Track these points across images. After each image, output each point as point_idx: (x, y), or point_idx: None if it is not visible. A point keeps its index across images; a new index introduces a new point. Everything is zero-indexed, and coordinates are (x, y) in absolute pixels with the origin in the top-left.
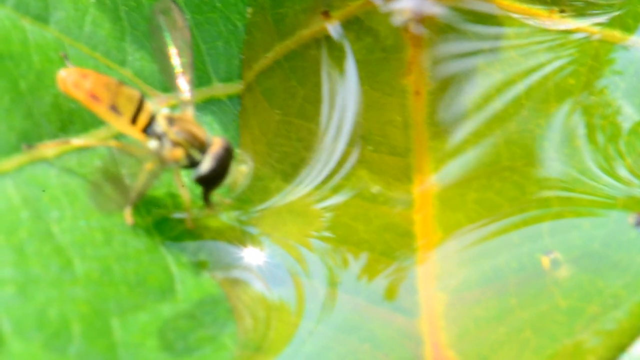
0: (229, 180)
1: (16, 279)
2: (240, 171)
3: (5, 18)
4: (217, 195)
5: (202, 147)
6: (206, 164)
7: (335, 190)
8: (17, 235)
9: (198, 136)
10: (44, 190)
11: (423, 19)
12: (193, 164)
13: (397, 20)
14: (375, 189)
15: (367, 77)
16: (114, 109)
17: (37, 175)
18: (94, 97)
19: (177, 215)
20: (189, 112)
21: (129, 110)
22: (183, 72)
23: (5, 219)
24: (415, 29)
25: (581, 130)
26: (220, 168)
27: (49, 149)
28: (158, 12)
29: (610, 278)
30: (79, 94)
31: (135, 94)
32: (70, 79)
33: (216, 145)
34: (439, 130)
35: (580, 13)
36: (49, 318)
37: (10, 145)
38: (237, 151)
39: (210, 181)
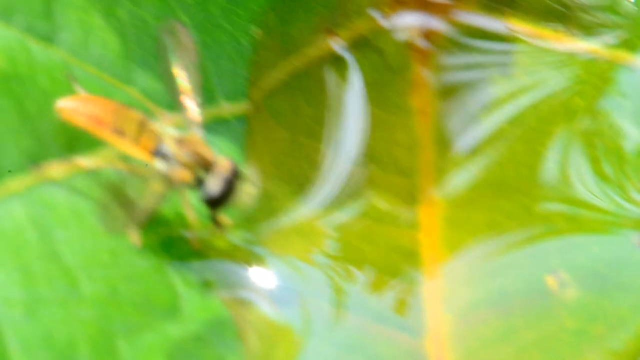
0: (236, 200)
1: (23, 299)
2: (248, 191)
3: (12, 39)
4: (224, 215)
5: (210, 168)
6: (213, 185)
7: (342, 210)
8: (25, 255)
9: (205, 157)
10: (51, 211)
11: (430, 38)
12: (200, 184)
13: (404, 38)
14: (381, 209)
15: (373, 96)
16: (119, 131)
17: (44, 195)
18: (97, 121)
19: (184, 235)
20: (197, 133)
21: (134, 131)
22: (190, 92)
23: (13, 239)
24: (421, 48)
25: (587, 151)
26: (227, 189)
27: (56, 169)
28: (165, 32)
29: (617, 299)
30: (82, 120)
31: (139, 115)
32: (69, 107)
33: (223, 165)
34: (445, 150)
35: (587, 33)
36: (56, 338)
37: (18, 166)
38: (245, 171)
39: (217, 202)
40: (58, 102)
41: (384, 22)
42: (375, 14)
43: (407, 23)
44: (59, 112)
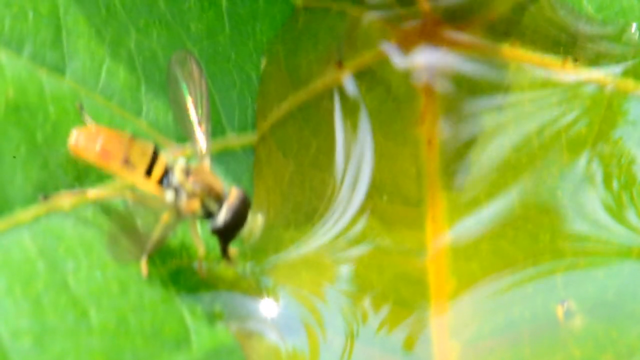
0: (245, 231)
1: (33, 329)
2: (256, 221)
3: (22, 69)
4: (233, 246)
5: (219, 198)
6: (222, 215)
7: (349, 240)
8: (34, 286)
9: (214, 187)
10: (60, 242)
11: (436, 69)
12: (209, 215)
13: (409, 70)
14: (388, 239)
15: (379, 127)
16: (128, 163)
17: (53, 226)
18: (106, 155)
19: (193, 265)
20: (206, 163)
21: (143, 163)
22: (199, 123)
23: (22, 270)
24: (427, 79)
25: (595, 180)
26: (236, 219)
27: (65, 199)
28: (174, 62)
29: (625, 328)
30: (90, 155)
31: (148, 146)
32: (78, 144)
33: (232, 196)
34: (452, 179)
35: (593, 63)
36: None
37: (27, 196)
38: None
39: (226, 232)
40: (68, 139)
41: (390, 54)
42: (381, 45)
43: (413, 54)
44: (69, 149)
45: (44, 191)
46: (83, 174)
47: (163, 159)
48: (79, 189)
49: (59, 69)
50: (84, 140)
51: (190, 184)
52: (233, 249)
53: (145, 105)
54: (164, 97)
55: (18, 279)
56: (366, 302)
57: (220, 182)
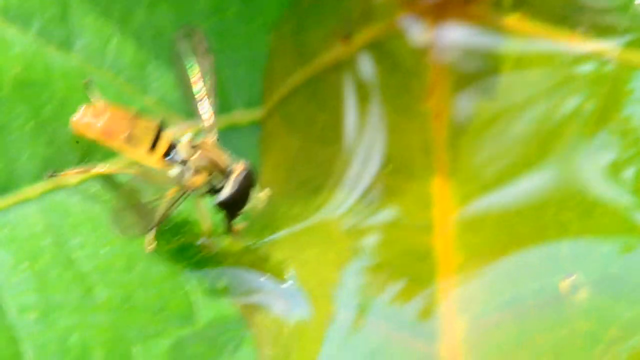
0: (250, 205)
1: (39, 305)
2: (262, 196)
3: (29, 45)
4: (238, 221)
5: (224, 173)
6: (227, 190)
7: (355, 214)
8: (40, 261)
9: (220, 162)
10: (66, 218)
11: (443, 41)
12: (215, 189)
13: (418, 43)
14: (395, 213)
15: (387, 101)
16: (132, 140)
17: (60, 202)
18: (109, 133)
19: (198, 241)
20: (211, 138)
21: (147, 139)
22: (206, 98)
23: (28, 245)
24: (436, 52)
25: (601, 152)
26: (241, 193)
27: (71, 176)
28: (181, 38)
29: (630, 301)
30: (94, 133)
31: (152, 123)
32: (81, 122)
33: (238, 170)
34: (460, 154)
35: (600, 35)
36: (71, 344)
37: (34, 173)
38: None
39: (232, 206)
40: (72, 117)
41: (397, 27)
42: (388, 18)
43: (421, 27)
44: (72, 127)
45: (51, 167)
46: (90, 150)
47: (168, 135)
48: (85, 165)
49: (66, 46)
50: (87, 118)
51: (195, 159)
52: (238, 224)
53: (153, 81)
54: (171, 74)
55: (24, 254)
56: (373, 277)
57: (226, 157)
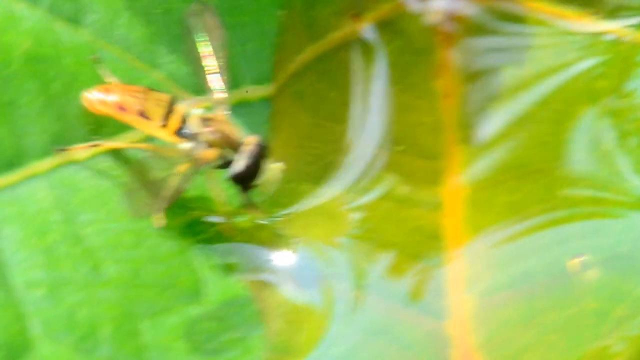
0: (263, 178)
1: (47, 281)
2: (275, 169)
3: (38, 20)
4: (250, 196)
5: (236, 146)
6: (240, 162)
7: (365, 192)
8: (48, 237)
9: (231, 135)
10: (75, 193)
11: (454, 21)
12: (227, 163)
13: (429, 21)
14: (404, 191)
15: (397, 79)
16: (144, 114)
17: (69, 177)
18: (121, 108)
19: (208, 218)
20: (223, 112)
21: (159, 114)
22: (217, 73)
23: (37, 221)
24: (446, 30)
25: (611, 133)
26: (254, 165)
27: (80, 151)
28: (191, 14)
29: (639, 280)
30: (106, 109)
31: (164, 97)
32: (95, 98)
33: (250, 143)
34: (469, 132)
35: (611, 15)
36: (79, 320)
37: (43, 148)
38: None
39: (244, 179)
40: (83, 93)
41: (409, 5)
42: None
43: (432, 6)
44: (84, 103)
45: (60, 143)
46: (99, 125)
47: (180, 109)
48: (94, 140)
49: (76, 21)
50: (99, 94)
51: (207, 133)
52: (250, 198)
53: (163, 57)
54: (181, 50)
55: (33, 230)
56: (382, 255)
57: (237, 131)
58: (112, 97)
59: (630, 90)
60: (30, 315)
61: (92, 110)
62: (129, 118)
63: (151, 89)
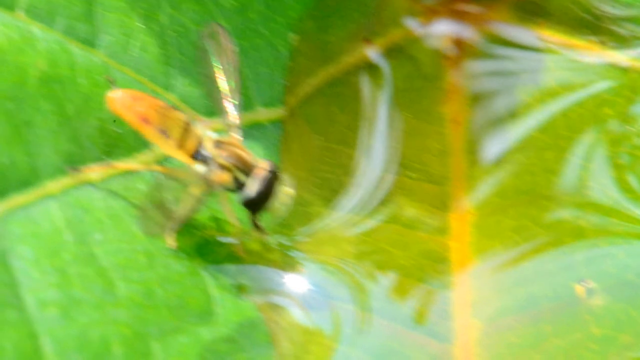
0: (274, 202)
1: (59, 300)
2: (286, 193)
3: (53, 42)
4: (262, 219)
5: (249, 170)
6: (252, 187)
7: (374, 216)
8: (61, 257)
9: (244, 159)
10: (88, 213)
11: (463, 47)
12: (239, 187)
13: (437, 47)
14: (412, 215)
15: (406, 104)
16: (163, 132)
17: (82, 198)
18: (145, 119)
19: (220, 239)
20: (236, 136)
21: (177, 133)
22: (230, 96)
23: (50, 241)
24: (455, 56)
25: (618, 160)
26: (266, 190)
27: (93, 172)
28: (205, 35)
29: None
30: (130, 115)
31: (183, 117)
32: (121, 101)
33: (262, 167)
34: (477, 158)
35: (618, 45)
36: (91, 340)
37: (56, 168)
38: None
39: (256, 204)
40: (110, 92)
41: (418, 31)
42: (410, 23)
43: (441, 32)
44: (108, 103)
45: (73, 163)
46: (112, 146)
47: (196, 131)
48: (108, 161)
49: (90, 42)
50: (126, 100)
51: (220, 156)
52: (263, 221)
53: (176, 79)
54: (194, 72)
55: (46, 250)
56: (389, 278)
57: (250, 155)
58: (139, 107)
59: (636, 117)
60: (42, 334)
61: (114, 112)
62: (148, 132)
63: (173, 107)
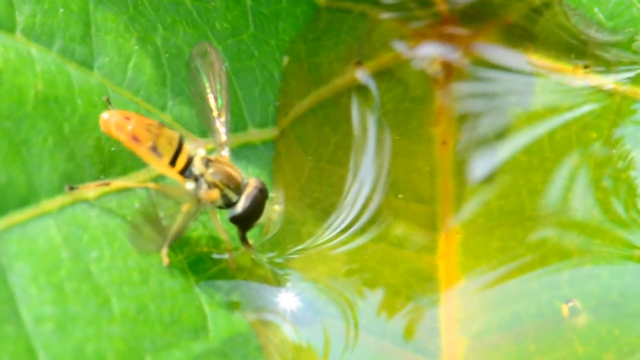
0: (263, 219)
1: (55, 316)
2: (274, 211)
3: (51, 63)
4: (253, 236)
5: (238, 188)
6: (241, 204)
7: (363, 234)
8: (58, 274)
9: (233, 177)
10: (84, 231)
11: (451, 70)
12: (229, 204)
13: (426, 70)
14: (401, 234)
15: (396, 126)
16: (155, 150)
17: (78, 215)
18: (135, 138)
19: (212, 255)
20: (225, 154)
21: (168, 151)
22: (220, 114)
23: (47, 257)
24: (443, 79)
25: (602, 183)
26: (254, 208)
27: (90, 190)
28: (195, 55)
29: (627, 327)
30: (121, 135)
31: (175, 136)
32: (112, 121)
33: (251, 185)
34: (464, 179)
35: (604, 69)
36: (86, 354)
37: (53, 187)
38: (271, 193)
39: (245, 220)
40: (102, 113)
41: (407, 54)
42: (400, 46)
43: (430, 55)
44: (101, 124)
45: (70, 182)
46: (108, 165)
47: (187, 150)
48: (103, 180)
49: (87, 64)
50: (117, 119)
51: (210, 174)
52: (252, 238)
53: (170, 100)
54: (188, 93)
55: (43, 266)
56: (378, 295)
57: (239, 172)
58: (129, 126)
59: (620, 140)
60: (39, 348)
61: (106, 132)
62: (139, 150)
63: (165, 125)
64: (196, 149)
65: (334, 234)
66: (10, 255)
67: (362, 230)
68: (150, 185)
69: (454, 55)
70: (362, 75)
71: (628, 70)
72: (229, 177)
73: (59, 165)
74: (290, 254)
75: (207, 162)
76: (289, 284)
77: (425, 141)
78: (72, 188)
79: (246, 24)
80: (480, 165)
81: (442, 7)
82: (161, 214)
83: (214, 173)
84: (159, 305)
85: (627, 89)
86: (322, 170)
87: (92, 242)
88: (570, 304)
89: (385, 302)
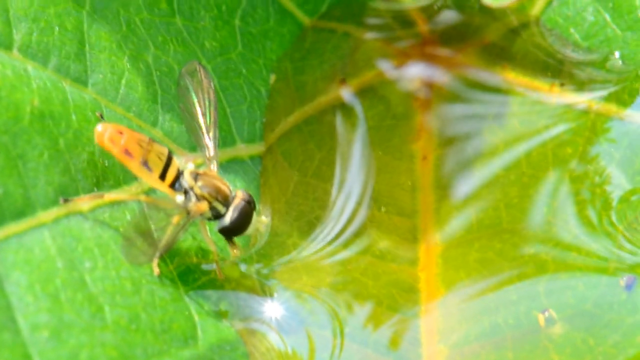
0: (250, 230)
1: (51, 324)
2: (261, 222)
3: (47, 79)
4: (239, 246)
5: (226, 200)
6: (229, 216)
7: (347, 247)
8: (53, 283)
9: (222, 190)
10: (78, 242)
11: (432, 89)
12: (217, 216)
13: (408, 89)
14: (383, 247)
15: (378, 142)
16: (145, 164)
17: (73, 227)
18: (128, 152)
19: (201, 266)
20: (213, 168)
21: (158, 166)
22: (208, 130)
23: (42, 267)
24: (424, 98)
25: (577, 197)
26: (242, 219)
27: (83, 202)
28: (185, 73)
29: (601, 337)
30: (114, 148)
31: (164, 151)
32: (107, 134)
33: (238, 197)
34: (444, 193)
35: (579, 87)
36: None
37: (49, 199)
38: (258, 205)
39: (233, 232)
40: (97, 126)
41: (390, 73)
42: (383, 65)
43: (412, 74)
44: (96, 136)
45: (65, 194)
46: (101, 178)
47: (176, 164)
48: (97, 192)
49: (81, 80)
50: (111, 133)
51: (198, 187)
52: (239, 248)
53: (161, 116)
54: (178, 110)
55: (38, 276)
56: (361, 306)
57: (226, 185)
58: (122, 140)
59: (595, 156)
60: (35, 355)
61: (100, 145)
62: (131, 164)
63: (154, 141)
64: (185, 163)
65: (319, 246)
66: (8, 265)
67: (346, 243)
68: (142, 197)
69: (434, 73)
70: (346, 93)
71: (602, 88)
72: (217, 190)
73: (54, 178)
74: (277, 265)
75: (196, 176)
76: (275, 294)
77: (406, 157)
78: (66, 200)
79: (234, 43)
80: (459, 180)
81: (423, 27)
82: (152, 226)
83: (202, 186)
84: (150, 314)
85: (601, 107)
86: (307, 184)
87: (86, 253)
88: (547, 314)
89: (368, 313)
